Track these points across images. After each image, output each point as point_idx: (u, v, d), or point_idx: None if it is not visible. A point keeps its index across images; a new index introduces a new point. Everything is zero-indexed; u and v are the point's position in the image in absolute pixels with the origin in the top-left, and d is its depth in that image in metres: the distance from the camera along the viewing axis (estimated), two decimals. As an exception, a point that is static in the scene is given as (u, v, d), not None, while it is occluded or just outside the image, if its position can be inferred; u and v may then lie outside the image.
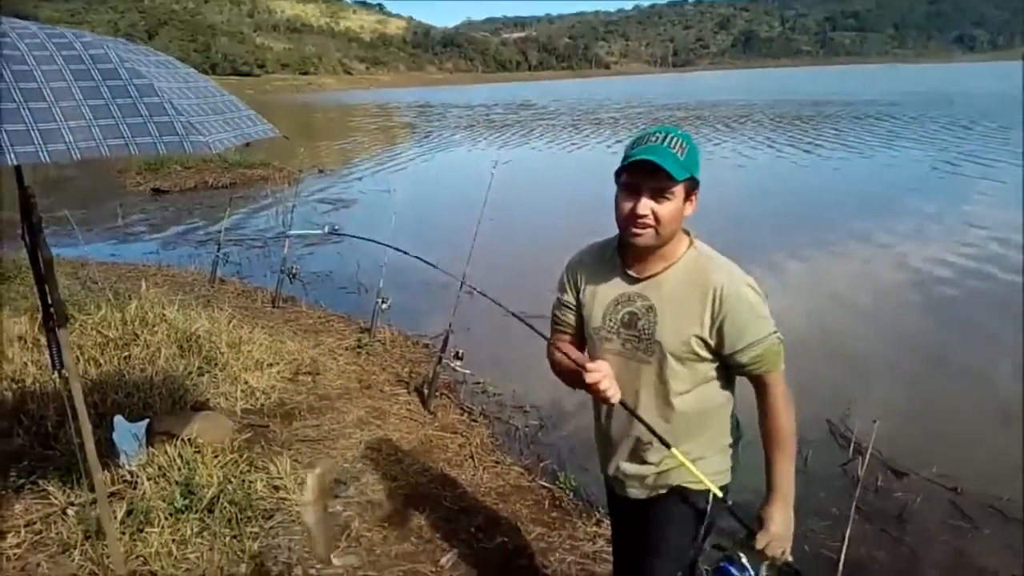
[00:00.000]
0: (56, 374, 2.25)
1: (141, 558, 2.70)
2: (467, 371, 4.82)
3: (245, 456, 3.40)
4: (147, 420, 3.46)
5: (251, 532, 2.90)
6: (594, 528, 3.21)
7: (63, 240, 8.94)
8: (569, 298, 1.84)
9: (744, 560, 1.68)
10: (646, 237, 1.61)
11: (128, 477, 3.16)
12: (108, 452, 3.21)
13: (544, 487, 3.62)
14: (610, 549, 2.13)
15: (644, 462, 1.81)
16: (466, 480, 3.60)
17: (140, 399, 3.86)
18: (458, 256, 4.24)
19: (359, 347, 5.38)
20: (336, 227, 2.09)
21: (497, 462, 3.86)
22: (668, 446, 1.66)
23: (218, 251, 7.61)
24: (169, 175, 15.08)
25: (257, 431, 3.81)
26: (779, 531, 1.68)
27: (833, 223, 9.77)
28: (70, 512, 2.95)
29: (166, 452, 3.27)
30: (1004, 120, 22.00)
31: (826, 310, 6.46)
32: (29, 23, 1.85)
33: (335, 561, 2.80)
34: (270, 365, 4.60)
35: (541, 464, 3.92)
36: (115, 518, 2.76)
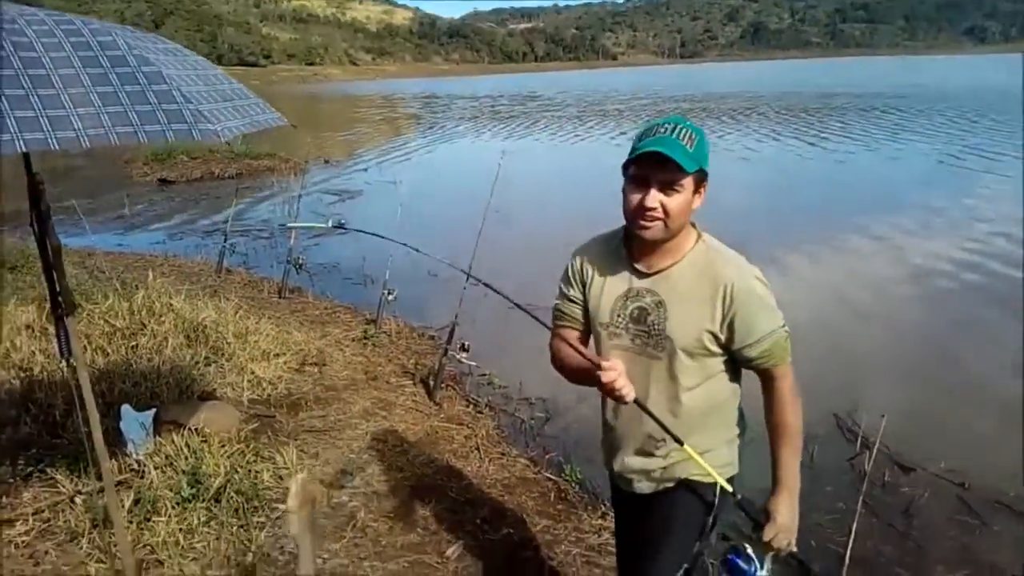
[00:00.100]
0: (64, 363, 2.25)
1: (148, 547, 2.71)
2: (473, 363, 4.82)
3: (252, 446, 3.41)
4: (154, 409, 3.47)
5: (258, 522, 2.91)
6: (599, 520, 3.21)
7: (70, 230, 8.96)
8: (576, 293, 1.81)
9: (750, 551, 1.69)
10: (655, 230, 1.60)
11: (135, 466, 3.17)
12: (115, 441, 3.22)
13: (550, 479, 3.62)
14: (615, 542, 2.13)
15: (652, 457, 1.80)
16: (472, 472, 3.61)
17: (147, 388, 3.88)
18: (463, 248, 4.24)
19: (365, 338, 5.38)
20: (342, 220, 2.07)
21: (503, 454, 3.86)
22: (680, 443, 1.65)
23: (224, 241, 7.62)
24: (176, 165, 15.10)
25: (264, 421, 3.81)
26: (785, 523, 1.69)
27: (837, 216, 9.71)
28: (78, 500, 2.96)
29: (173, 441, 3.28)
30: (1012, 113, 21.80)
31: (833, 304, 6.43)
32: (37, 9, 1.84)
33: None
34: (277, 355, 4.60)
35: (547, 456, 3.92)
36: (122, 507, 2.77)
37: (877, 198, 10.88)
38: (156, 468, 3.10)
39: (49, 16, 1.82)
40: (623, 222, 1.69)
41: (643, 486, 1.84)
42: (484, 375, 4.98)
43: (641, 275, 1.70)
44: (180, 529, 2.77)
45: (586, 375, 1.66)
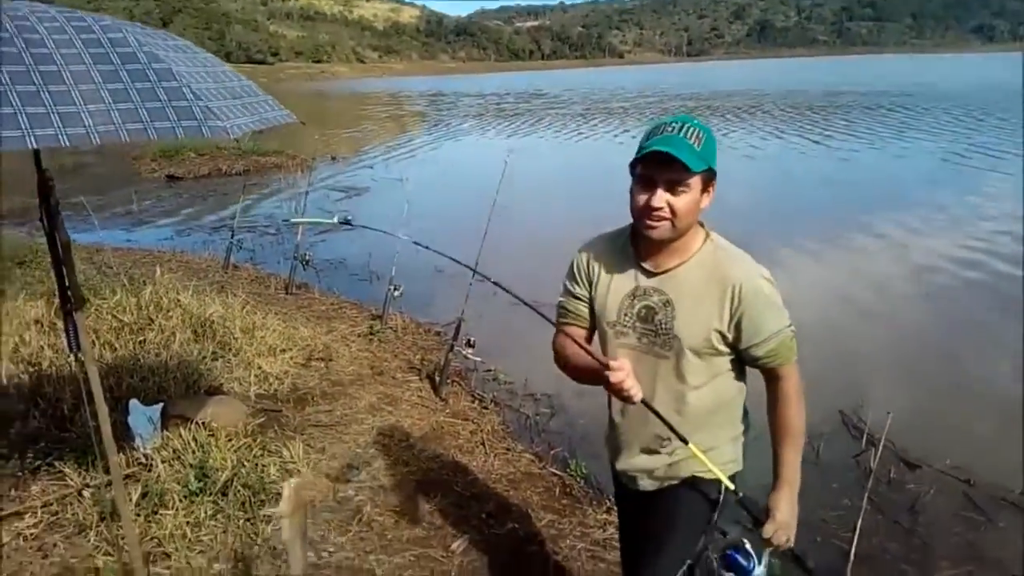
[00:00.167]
0: (72, 357, 2.27)
1: (155, 539, 2.73)
2: (478, 359, 4.83)
3: (259, 440, 3.43)
4: (162, 404, 3.50)
5: (264, 515, 2.93)
6: (604, 515, 3.22)
7: (79, 225, 9.03)
8: (582, 290, 1.80)
9: (748, 547, 1.69)
10: (661, 230, 1.60)
11: (143, 460, 3.19)
12: (123, 435, 3.24)
13: (555, 474, 3.63)
14: (619, 537, 2.14)
15: (657, 455, 1.81)
16: (477, 467, 3.62)
17: (155, 383, 3.90)
18: (469, 245, 4.24)
19: (371, 334, 5.41)
20: (348, 216, 2.08)
21: (508, 449, 3.87)
22: (686, 442, 1.65)
23: (232, 237, 7.66)
24: (183, 162, 15.17)
25: (270, 416, 3.84)
26: (785, 519, 1.70)
27: (842, 215, 9.69)
28: (86, 494, 2.99)
29: (180, 435, 3.30)
30: (1017, 111, 21.65)
31: (838, 301, 6.41)
32: (48, 6, 1.86)
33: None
34: (283, 351, 4.63)
35: (552, 451, 3.93)
36: (130, 500, 2.79)
37: (882, 196, 10.85)
38: (164, 462, 3.12)
39: (60, 13, 1.83)
40: (628, 220, 1.69)
41: (647, 484, 1.85)
42: (489, 371, 4.99)
43: (649, 274, 1.70)
44: (187, 522, 2.80)
45: (592, 374, 1.65)
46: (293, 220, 8.45)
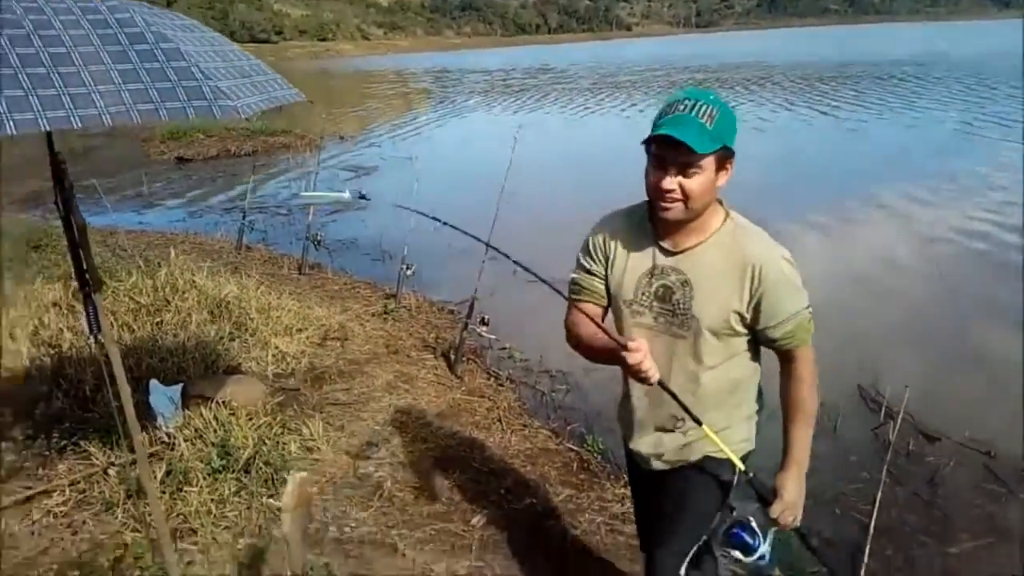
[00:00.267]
0: (92, 338, 2.28)
1: (181, 516, 2.78)
2: (493, 336, 4.84)
3: (278, 419, 3.47)
4: (182, 384, 3.54)
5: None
6: (622, 490, 3.23)
7: (91, 208, 9.04)
8: (597, 267, 1.77)
9: (754, 525, 1.70)
10: (675, 211, 1.57)
11: (165, 439, 3.24)
12: (145, 415, 3.28)
13: (572, 450, 3.64)
14: (634, 512, 2.16)
15: (671, 434, 1.80)
16: (494, 443, 3.64)
17: (174, 363, 3.94)
18: (480, 222, 4.21)
19: (385, 313, 5.42)
20: (362, 192, 2.04)
21: (525, 425, 3.89)
22: (699, 423, 1.64)
23: (243, 218, 7.66)
24: (192, 143, 15.14)
25: (289, 394, 3.87)
26: (793, 499, 1.71)
27: (852, 187, 9.55)
28: (111, 472, 3.04)
29: (201, 415, 3.34)
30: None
31: (854, 275, 6.36)
32: (55, -13, 1.83)
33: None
34: (299, 330, 4.65)
35: (568, 427, 3.95)
36: (155, 478, 2.83)
37: (892, 167, 10.69)
38: (186, 440, 3.17)
39: (67, -7, 1.81)
40: (637, 194, 1.67)
41: (660, 464, 1.85)
42: (504, 348, 5.00)
43: (667, 253, 1.67)
44: (212, 499, 2.84)
45: (608, 355, 1.62)
46: (306, 195, 8.41)
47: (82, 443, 3.20)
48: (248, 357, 4.28)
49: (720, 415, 1.73)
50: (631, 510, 3.03)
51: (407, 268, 5.54)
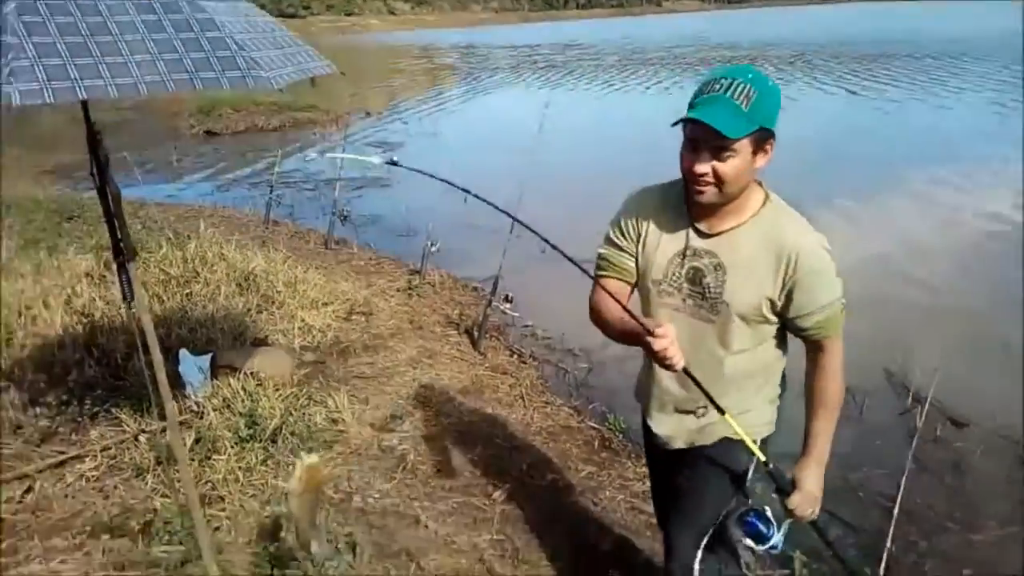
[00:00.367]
0: (124, 307, 2.32)
1: (210, 483, 2.84)
2: (516, 314, 4.85)
3: (305, 390, 3.52)
4: (211, 354, 3.60)
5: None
6: (644, 468, 3.21)
7: (123, 181, 9.08)
8: (628, 244, 1.73)
9: (769, 514, 1.69)
10: (708, 195, 1.54)
11: (195, 408, 3.30)
12: (175, 383, 3.34)
13: (593, 428, 3.66)
14: (651, 491, 2.16)
15: (691, 415, 1.79)
16: (516, 420, 3.66)
17: (203, 334, 4.01)
18: (506, 198, 4.20)
19: (410, 289, 5.45)
20: (394, 158, 2.04)
21: (547, 403, 3.91)
22: (723, 413, 1.61)
23: (271, 193, 7.73)
24: (220, 118, 15.24)
25: (315, 367, 3.92)
26: (811, 492, 1.69)
27: (881, 168, 9.34)
28: (142, 439, 3.11)
29: (230, 385, 3.40)
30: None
31: (884, 257, 6.24)
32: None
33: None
34: (325, 304, 4.70)
35: (590, 406, 3.96)
36: (184, 445, 2.89)
37: (925, 149, 10.44)
38: (215, 410, 3.22)
39: (102, -38, 1.81)
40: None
41: (679, 443, 1.84)
42: (527, 326, 5.01)
43: (702, 235, 1.63)
44: (239, 467, 2.89)
45: (632, 337, 1.59)
46: (334, 155, 8.41)
47: (113, 410, 3.27)
48: (275, 329, 4.33)
49: (742, 397, 1.71)
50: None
51: (432, 244, 5.55)
